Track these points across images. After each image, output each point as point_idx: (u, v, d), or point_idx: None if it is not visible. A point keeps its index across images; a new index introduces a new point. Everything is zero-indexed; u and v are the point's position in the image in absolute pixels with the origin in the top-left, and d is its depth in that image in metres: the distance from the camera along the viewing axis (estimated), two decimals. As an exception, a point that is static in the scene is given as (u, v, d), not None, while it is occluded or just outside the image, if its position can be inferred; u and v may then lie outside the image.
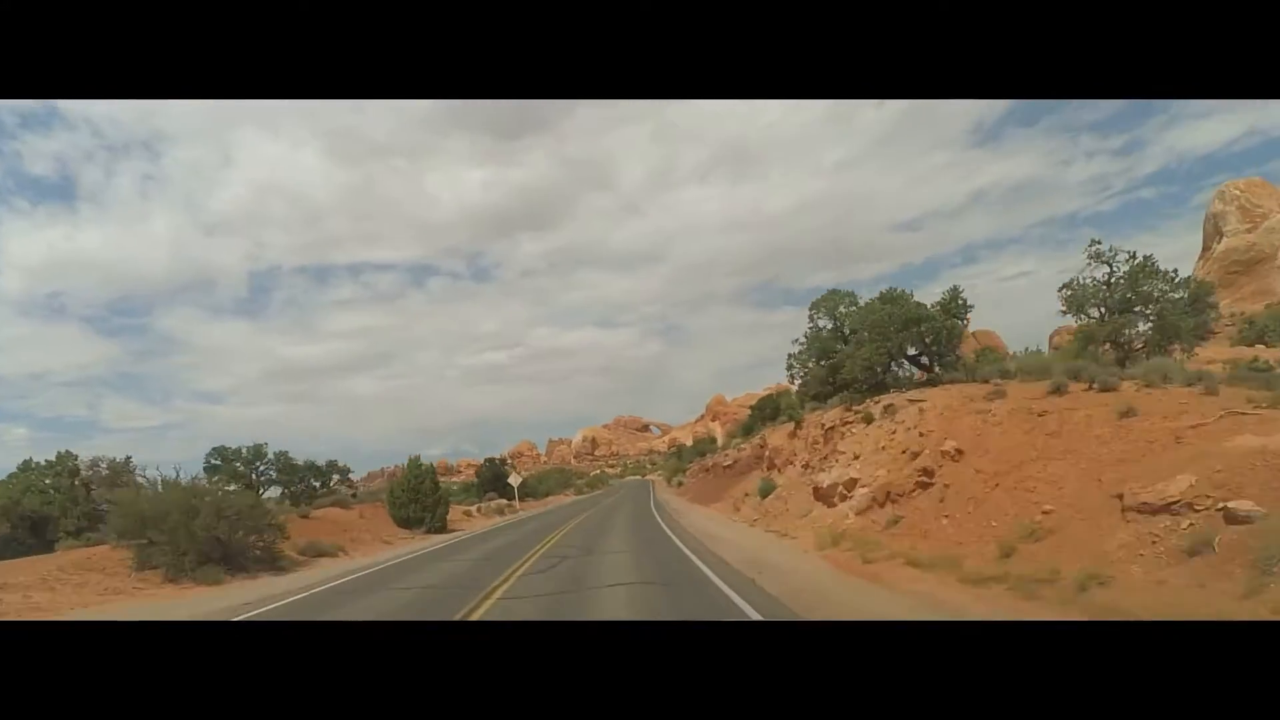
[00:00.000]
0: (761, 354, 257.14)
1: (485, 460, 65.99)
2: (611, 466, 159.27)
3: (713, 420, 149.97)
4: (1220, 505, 6.87)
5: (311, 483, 29.34)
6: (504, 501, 46.54)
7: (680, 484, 60.92)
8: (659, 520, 25.22)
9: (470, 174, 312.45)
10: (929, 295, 24.52)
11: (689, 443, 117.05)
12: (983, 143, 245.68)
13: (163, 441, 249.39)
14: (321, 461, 30.23)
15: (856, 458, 16.97)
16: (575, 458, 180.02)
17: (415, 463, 30.06)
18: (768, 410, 47.17)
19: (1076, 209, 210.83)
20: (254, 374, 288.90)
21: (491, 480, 56.28)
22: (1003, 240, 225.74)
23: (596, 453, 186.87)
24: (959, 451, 12.66)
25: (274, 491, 27.78)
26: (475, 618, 8.48)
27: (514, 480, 51.88)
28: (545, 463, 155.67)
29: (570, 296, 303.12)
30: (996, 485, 10.95)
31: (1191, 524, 7.02)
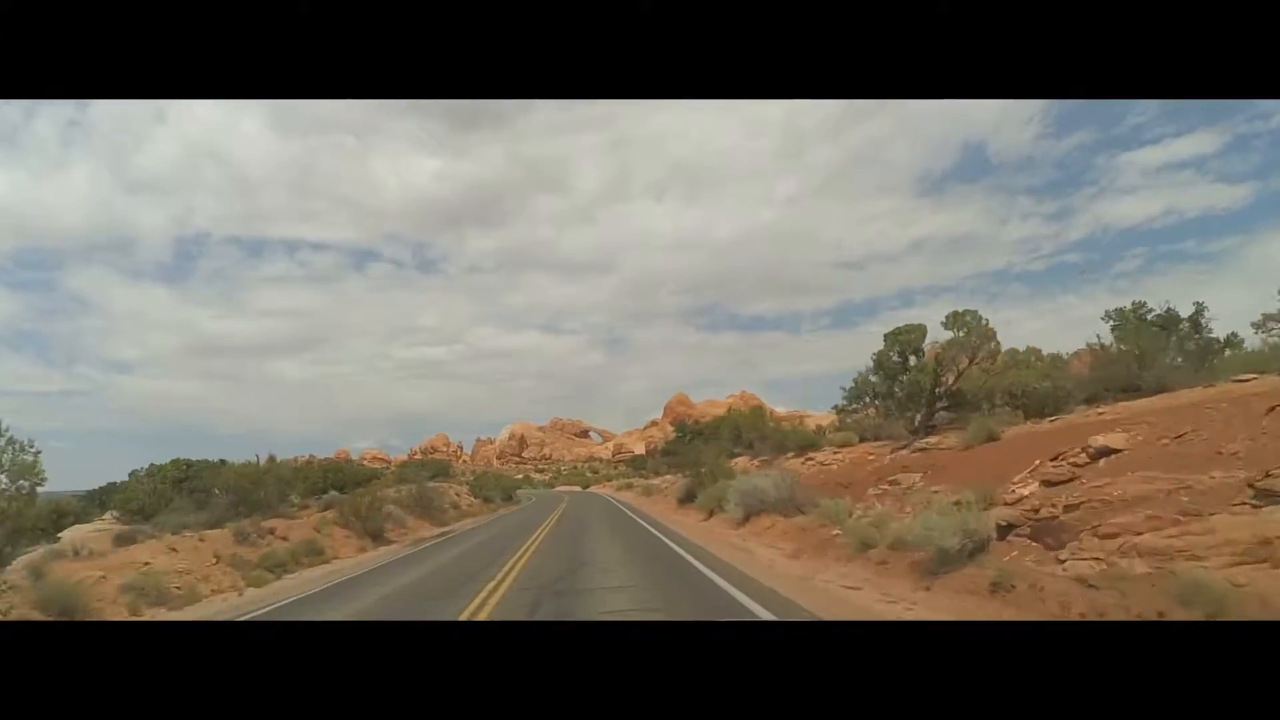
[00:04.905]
0: (704, 374, 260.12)
1: None
2: (540, 471, 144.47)
3: (671, 424, 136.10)
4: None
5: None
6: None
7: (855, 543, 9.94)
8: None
9: (420, 161, 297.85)
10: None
11: (639, 450, 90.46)
12: (927, 193, 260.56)
13: (63, 409, 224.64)
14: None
15: None
16: (499, 458, 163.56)
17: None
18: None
19: (1008, 265, 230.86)
20: (170, 345, 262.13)
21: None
22: (938, 288, 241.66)
23: (525, 454, 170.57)
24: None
25: None
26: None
27: None
28: (466, 463, 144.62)
29: (516, 298, 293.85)
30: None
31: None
